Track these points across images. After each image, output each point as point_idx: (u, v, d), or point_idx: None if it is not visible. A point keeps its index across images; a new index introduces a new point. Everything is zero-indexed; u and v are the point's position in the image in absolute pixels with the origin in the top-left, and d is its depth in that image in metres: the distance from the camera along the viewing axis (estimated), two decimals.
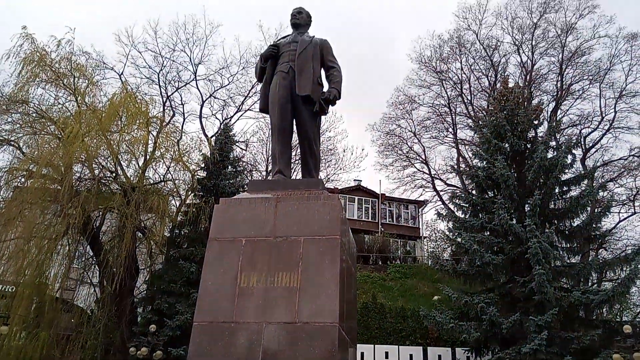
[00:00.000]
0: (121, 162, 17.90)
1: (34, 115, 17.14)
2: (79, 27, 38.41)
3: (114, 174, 17.87)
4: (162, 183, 18.71)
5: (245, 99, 28.06)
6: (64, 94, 17.83)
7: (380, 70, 64.20)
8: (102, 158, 17.55)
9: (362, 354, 16.03)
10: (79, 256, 17.77)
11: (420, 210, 39.85)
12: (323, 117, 7.13)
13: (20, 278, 14.90)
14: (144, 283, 19.19)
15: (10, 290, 15.59)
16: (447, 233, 19.52)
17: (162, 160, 18.29)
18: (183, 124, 25.87)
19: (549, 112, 29.90)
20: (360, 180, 38.59)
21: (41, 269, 15.23)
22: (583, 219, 16.75)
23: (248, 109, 28.11)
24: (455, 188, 30.32)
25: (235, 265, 4.84)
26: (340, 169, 31.88)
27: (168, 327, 15.45)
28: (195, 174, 19.00)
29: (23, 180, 16.37)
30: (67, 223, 15.16)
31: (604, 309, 16.26)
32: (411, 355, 16.74)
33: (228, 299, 4.69)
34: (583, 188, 17.24)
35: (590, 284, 19.64)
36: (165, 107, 24.79)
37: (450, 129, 34.66)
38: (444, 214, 19.00)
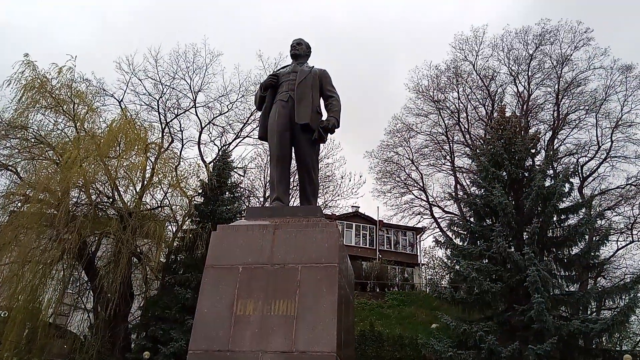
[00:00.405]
0: (119, 187, 17.92)
1: (33, 140, 17.22)
2: (81, 55, 38.90)
3: (111, 200, 17.86)
4: (159, 209, 18.70)
5: (244, 125, 28.20)
6: (64, 120, 17.98)
7: (378, 99, 64.86)
8: (100, 183, 17.59)
9: None
10: (74, 281, 17.65)
11: (418, 237, 39.69)
12: (322, 145, 7.17)
13: (13, 303, 14.76)
14: (139, 309, 19.00)
15: (3, 315, 15.42)
16: (446, 260, 19.43)
17: (160, 186, 18.34)
18: (181, 150, 25.93)
19: (546, 141, 30.06)
20: (358, 207, 38.56)
21: (35, 294, 15.10)
22: (581, 247, 16.72)
23: (247, 136, 28.21)
24: (453, 215, 30.24)
25: (232, 293, 4.79)
26: (338, 195, 31.86)
27: (162, 354, 15.22)
28: (193, 199, 18.99)
29: (19, 204, 16.35)
30: (63, 248, 15.08)
31: (604, 338, 16.12)
32: None
33: (224, 327, 4.63)
34: (581, 216, 17.26)
35: (589, 312, 19.49)
36: (164, 134, 24.85)
37: (448, 157, 34.76)
38: (442, 241, 18.96)
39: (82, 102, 18.21)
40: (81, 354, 15.51)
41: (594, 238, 18.04)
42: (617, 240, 27.49)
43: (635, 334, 21.99)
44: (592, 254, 16.73)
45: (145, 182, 18.07)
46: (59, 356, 16.45)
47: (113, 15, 58.97)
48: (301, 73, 6.34)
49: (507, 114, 21.50)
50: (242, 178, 25.99)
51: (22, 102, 16.66)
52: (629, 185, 28.85)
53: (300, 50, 6.68)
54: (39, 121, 17.54)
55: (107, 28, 58.45)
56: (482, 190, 17.81)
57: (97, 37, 60.60)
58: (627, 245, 27.88)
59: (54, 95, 17.36)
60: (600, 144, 30.37)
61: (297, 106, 6.06)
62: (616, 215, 28.27)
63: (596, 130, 30.69)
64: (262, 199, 26.85)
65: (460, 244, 17.91)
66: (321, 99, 6.44)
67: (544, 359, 13.42)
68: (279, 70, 6.78)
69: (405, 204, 35.27)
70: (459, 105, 34.36)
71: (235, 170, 23.57)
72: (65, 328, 17.47)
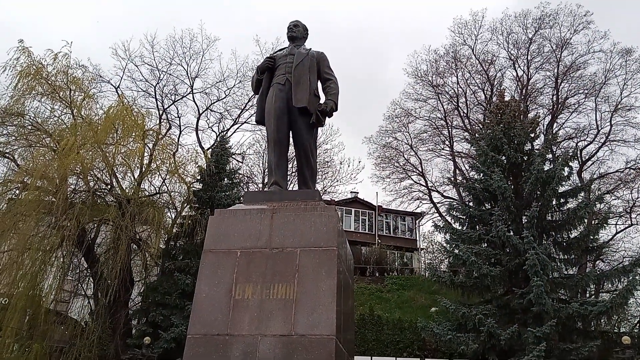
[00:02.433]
0: (116, 174, 17.87)
1: (30, 127, 17.11)
2: (77, 41, 38.55)
3: (109, 186, 17.82)
4: (158, 195, 18.67)
5: (241, 112, 28.08)
6: (60, 107, 17.83)
7: (377, 85, 64.47)
8: (98, 170, 17.52)
9: None
10: (74, 268, 17.67)
11: (417, 222, 39.75)
12: (320, 129, 7.10)
13: (13, 290, 14.78)
14: (139, 295, 19.06)
15: (3, 302, 15.44)
16: (445, 245, 19.47)
17: (158, 173, 18.29)
18: (179, 136, 25.85)
19: (545, 126, 29.95)
20: (357, 193, 38.54)
21: (35, 280, 15.12)
22: (580, 230, 16.76)
23: (244, 122, 28.10)
24: (452, 200, 30.19)
25: (230, 277, 4.77)
26: (337, 181, 31.83)
27: (163, 340, 15.31)
28: (191, 186, 18.95)
29: (17, 192, 16.31)
30: (62, 235, 15.08)
31: (602, 320, 16.22)
32: None
33: (223, 311, 4.62)
34: (580, 200, 17.28)
35: (588, 295, 19.59)
36: (162, 120, 24.75)
37: (447, 142, 34.61)
38: (441, 226, 18.97)
39: (78, 88, 18.06)
40: (82, 339, 15.55)
41: (593, 221, 18.07)
42: (616, 224, 27.66)
43: (634, 316, 22.09)
44: (591, 237, 16.78)
45: (144, 169, 18.02)
46: (60, 342, 16.51)
47: (108, 4, 58.25)
48: (298, 55, 6.25)
49: (506, 98, 21.45)
50: (240, 164, 25.99)
51: (18, 89, 16.52)
52: (628, 169, 28.88)
53: (297, 33, 6.58)
54: (35, 108, 17.43)
55: (101, 17, 57.79)
56: (481, 175, 17.79)
57: (91, 27, 60.00)
58: (625, 228, 28.04)
59: (50, 82, 17.21)
60: (600, 128, 30.35)
61: (294, 89, 5.99)
62: (615, 199, 28.35)
63: (595, 114, 30.66)
64: (260, 185, 26.81)
65: (460, 228, 17.94)
66: (319, 82, 6.36)
67: (543, 341, 13.51)
68: (275, 52, 6.69)
69: (404, 189, 35.28)
70: (457, 90, 34.18)
71: (233, 156, 23.53)
72: (65, 314, 17.52)
